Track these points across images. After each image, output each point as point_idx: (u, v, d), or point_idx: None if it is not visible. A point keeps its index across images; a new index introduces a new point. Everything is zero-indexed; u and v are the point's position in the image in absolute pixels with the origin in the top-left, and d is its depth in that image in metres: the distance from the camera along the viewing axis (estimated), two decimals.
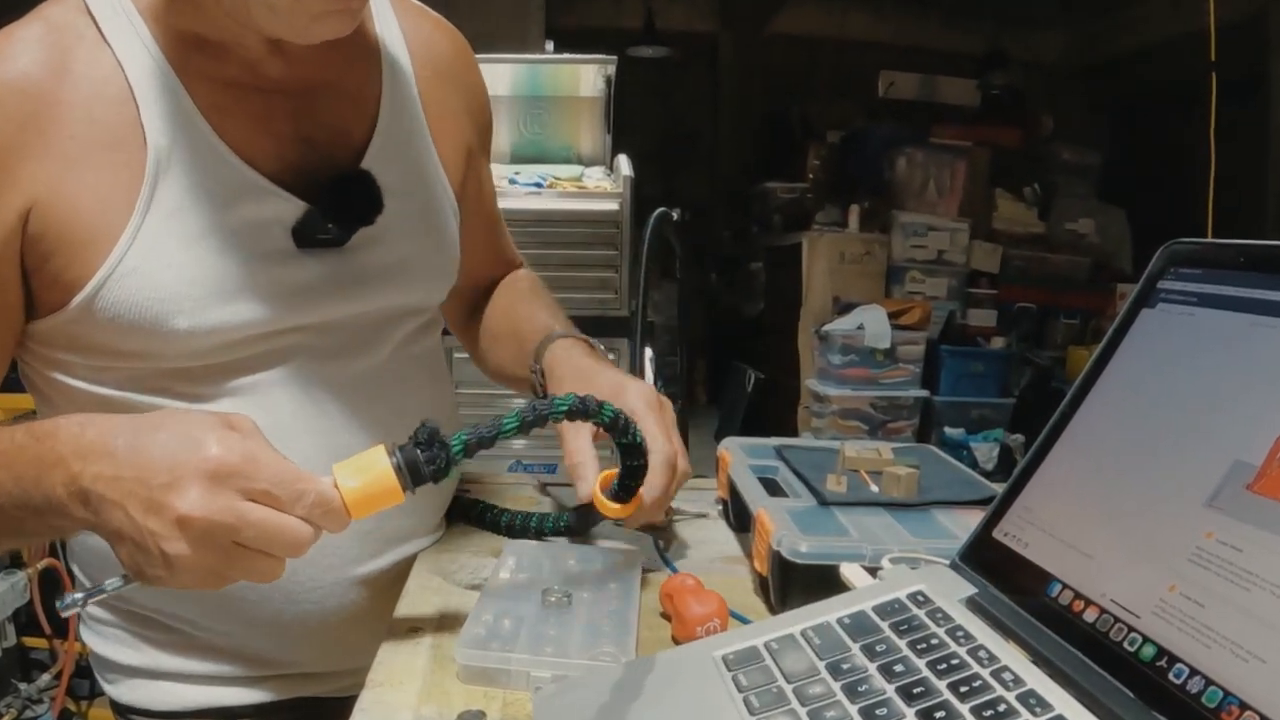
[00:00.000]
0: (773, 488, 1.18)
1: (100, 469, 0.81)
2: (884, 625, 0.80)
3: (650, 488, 1.04)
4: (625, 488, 1.04)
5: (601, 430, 0.96)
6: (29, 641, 2.99)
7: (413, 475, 0.83)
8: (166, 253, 1.03)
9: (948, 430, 5.92)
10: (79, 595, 0.84)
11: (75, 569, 1.25)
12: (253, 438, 0.82)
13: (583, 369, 1.20)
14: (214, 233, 1.05)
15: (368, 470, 0.83)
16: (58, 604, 0.84)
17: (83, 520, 0.83)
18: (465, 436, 0.86)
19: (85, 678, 2.95)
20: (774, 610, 1.01)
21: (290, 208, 1.09)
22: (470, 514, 1.30)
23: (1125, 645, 0.68)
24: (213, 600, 1.13)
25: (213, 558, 0.79)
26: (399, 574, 1.16)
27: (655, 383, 3.33)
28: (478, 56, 1.37)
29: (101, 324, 1.03)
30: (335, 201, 1.11)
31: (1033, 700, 0.67)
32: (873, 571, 0.93)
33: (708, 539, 1.26)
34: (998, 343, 6.24)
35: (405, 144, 1.21)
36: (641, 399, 1.10)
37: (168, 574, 0.80)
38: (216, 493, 0.78)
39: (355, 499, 0.82)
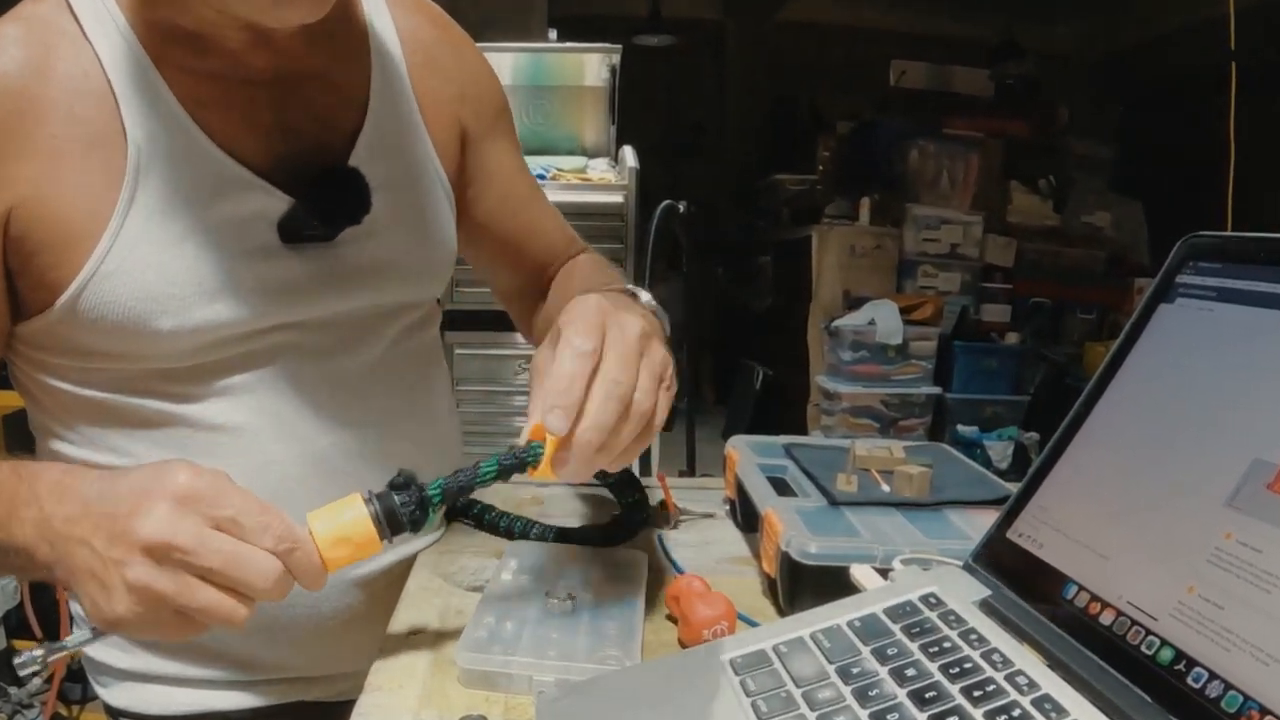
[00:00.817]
0: (781, 487, 1.18)
1: (70, 510, 0.83)
2: (895, 628, 0.80)
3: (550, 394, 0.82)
4: (627, 520, 1.04)
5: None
6: (19, 644, 2.99)
7: (390, 524, 0.83)
8: (149, 252, 1.02)
9: (961, 428, 5.92)
10: (38, 653, 0.83)
11: None
12: (222, 478, 0.82)
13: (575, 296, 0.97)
14: (197, 230, 1.05)
15: (342, 518, 0.83)
16: (15, 662, 0.83)
17: (45, 562, 0.85)
18: (444, 482, 0.86)
19: (77, 682, 2.96)
20: (783, 613, 1.01)
21: (276, 202, 1.09)
22: (468, 512, 1.30)
23: (1143, 648, 0.68)
24: None
25: (176, 587, 0.78)
26: (398, 575, 1.16)
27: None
28: (480, 45, 1.37)
29: (85, 325, 1.03)
30: (322, 199, 1.11)
31: (1047, 705, 0.67)
32: (884, 573, 0.93)
33: (715, 540, 1.26)
34: (1012, 338, 6.23)
35: (396, 136, 1.21)
36: (576, 313, 0.89)
37: (130, 609, 0.79)
38: (182, 515, 0.78)
39: (329, 543, 0.82)
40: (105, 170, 1.01)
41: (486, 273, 1.47)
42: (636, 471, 1.23)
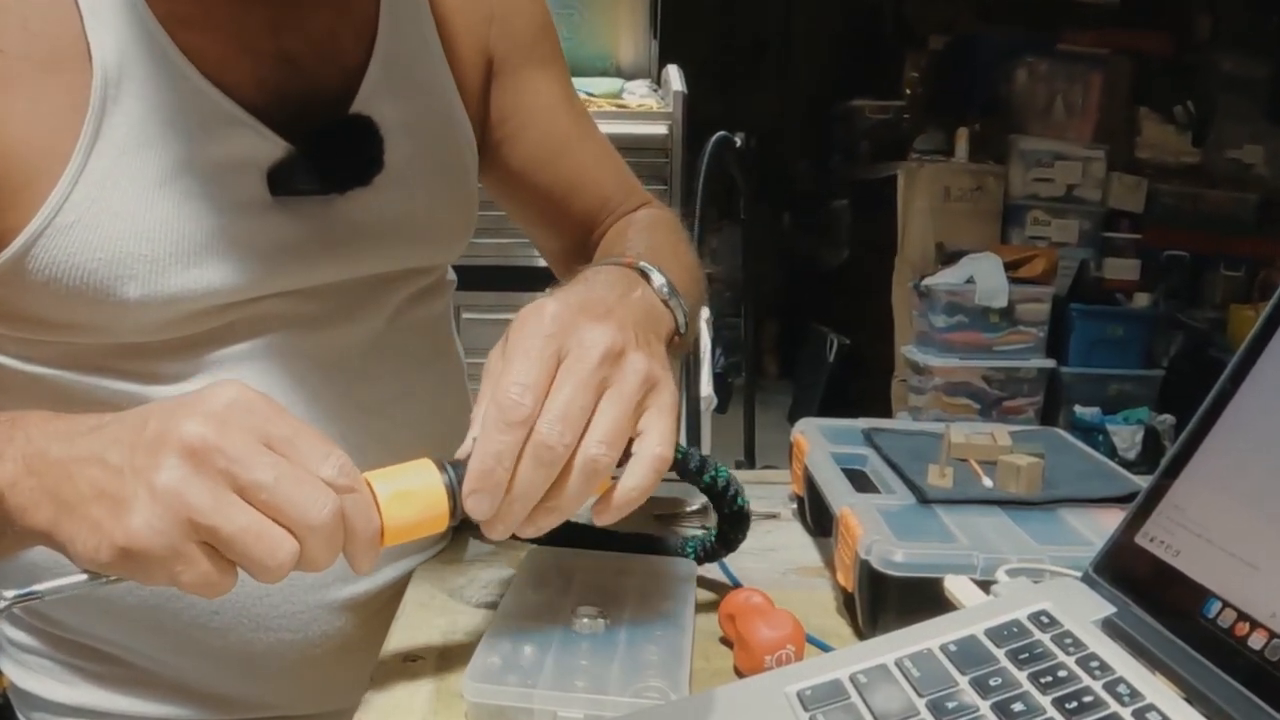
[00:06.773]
0: (861, 482, 1.18)
1: (73, 435, 0.79)
2: (999, 653, 0.79)
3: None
4: (721, 538, 1.06)
5: None
6: None
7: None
8: (116, 201, 1.02)
9: (1079, 410, 5.90)
10: None
11: None
12: (277, 403, 0.78)
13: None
14: (175, 176, 1.04)
15: (408, 480, 0.80)
16: None
17: (19, 505, 0.78)
18: None
19: (2, 718, 2.97)
20: (862, 635, 1.01)
21: (268, 146, 1.08)
22: None
23: None
24: (163, 628, 1.13)
25: (213, 501, 0.71)
26: (393, 596, 1.16)
27: (714, 352, 3.32)
28: None
29: (34, 287, 1.02)
30: (325, 153, 1.11)
31: None
32: (985, 586, 0.93)
33: (779, 546, 1.27)
34: (1142, 300, 6.19)
35: (411, 67, 1.20)
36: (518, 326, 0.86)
37: (147, 523, 0.71)
38: (235, 425, 0.73)
39: (390, 500, 0.78)
40: (66, 97, 1.01)
41: (530, 232, 1.46)
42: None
